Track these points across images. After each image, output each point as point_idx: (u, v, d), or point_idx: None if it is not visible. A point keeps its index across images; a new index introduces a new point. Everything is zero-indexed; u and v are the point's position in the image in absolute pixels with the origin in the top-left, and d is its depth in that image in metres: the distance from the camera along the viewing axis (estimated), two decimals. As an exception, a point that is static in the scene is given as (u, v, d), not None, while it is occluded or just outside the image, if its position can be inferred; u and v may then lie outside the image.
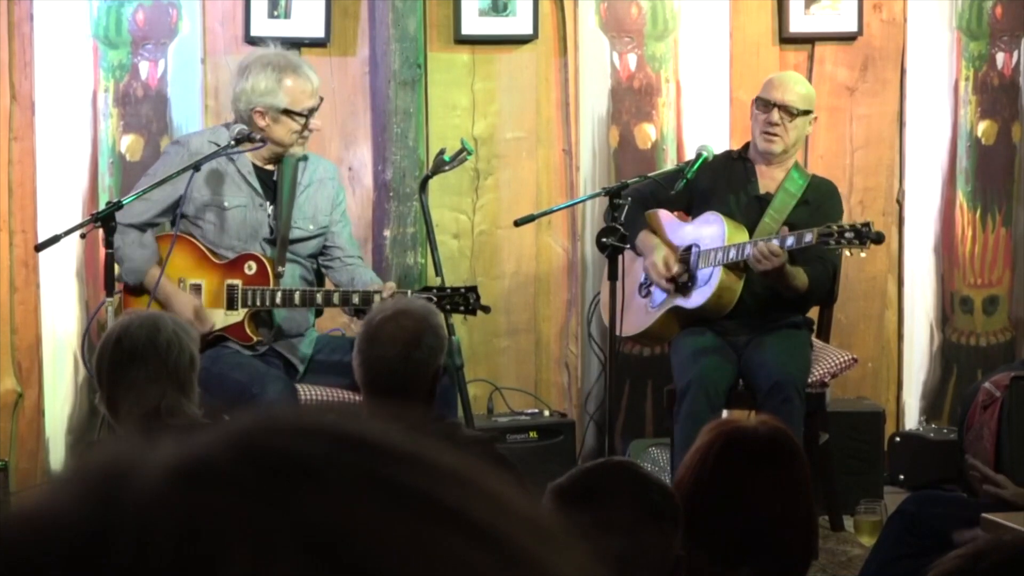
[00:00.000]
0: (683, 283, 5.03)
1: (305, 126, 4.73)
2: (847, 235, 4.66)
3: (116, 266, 4.58)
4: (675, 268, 5.01)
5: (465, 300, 4.62)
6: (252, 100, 4.69)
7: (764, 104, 5.06)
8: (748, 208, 5.08)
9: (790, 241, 4.77)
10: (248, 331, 4.70)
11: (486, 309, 4.69)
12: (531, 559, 0.56)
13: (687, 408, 4.74)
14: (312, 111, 4.73)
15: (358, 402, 4.01)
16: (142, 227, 4.71)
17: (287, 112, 4.69)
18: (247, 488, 0.54)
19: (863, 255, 4.78)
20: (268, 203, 4.79)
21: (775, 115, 5.04)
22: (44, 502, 0.55)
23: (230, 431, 0.57)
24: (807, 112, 5.09)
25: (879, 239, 4.70)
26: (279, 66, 4.69)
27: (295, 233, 4.80)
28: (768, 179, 5.13)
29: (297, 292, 4.69)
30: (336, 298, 4.68)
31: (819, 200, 5.09)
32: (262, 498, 0.53)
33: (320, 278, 4.94)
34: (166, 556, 0.51)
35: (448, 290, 4.63)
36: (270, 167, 4.82)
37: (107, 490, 0.54)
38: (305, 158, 4.85)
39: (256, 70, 4.69)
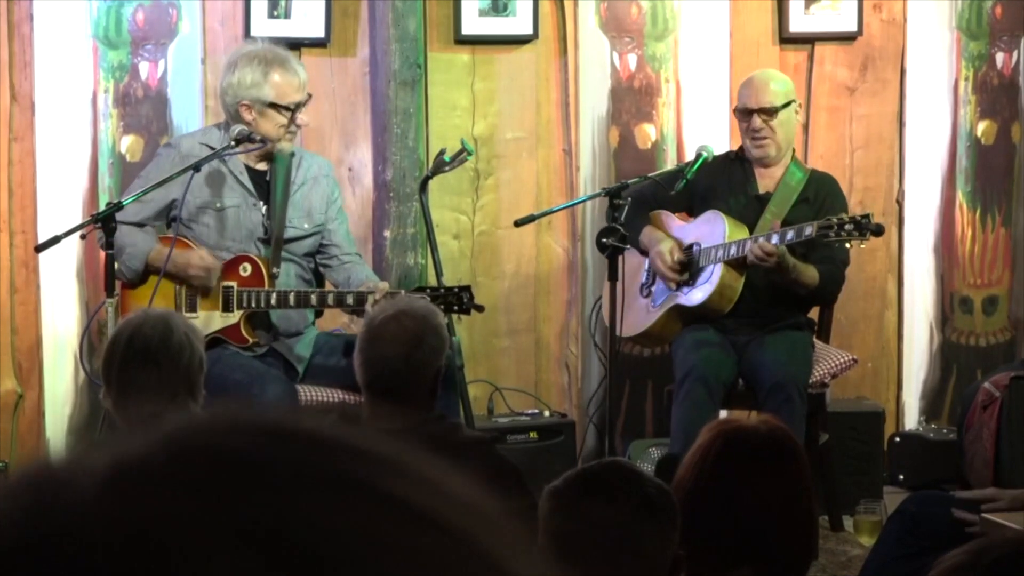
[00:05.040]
0: (685, 279, 5.03)
1: (292, 120, 4.72)
2: (847, 227, 4.66)
3: (116, 264, 4.58)
4: (679, 256, 5.02)
5: (459, 300, 4.61)
6: (238, 94, 4.69)
7: (743, 113, 5.08)
8: (748, 208, 5.08)
9: (790, 235, 4.77)
10: (244, 333, 4.70)
11: (480, 308, 4.69)
12: (473, 542, 0.56)
13: (685, 393, 4.75)
14: (299, 105, 4.73)
15: (359, 402, 4.01)
16: (137, 225, 4.70)
17: (273, 106, 4.69)
18: (184, 487, 0.53)
19: (863, 246, 4.78)
20: (261, 203, 4.78)
21: (756, 121, 5.04)
22: None
23: (163, 432, 0.56)
24: (787, 104, 5.09)
25: (879, 231, 4.69)
26: (266, 59, 4.70)
27: (290, 232, 4.78)
28: (767, 178, 5.14)
29: (292, 293, 4.68)
30: (330, 299, 4.68)
31: (820, 197, 5.09)
32: (200, 496, 0.53)
33: (318, 276, 4.94)
34: (105, 561, 0.51)
35: (442, 290, 4.63)
36: (262, 166, 4.81)
37: (42, 498, 0.53)
38: (294, 155, 4.84)
39: (243, 64, 4.69)
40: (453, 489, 0.58)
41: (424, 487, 0.57)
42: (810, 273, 4.90)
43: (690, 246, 5.06)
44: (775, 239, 4.79)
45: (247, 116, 4.68)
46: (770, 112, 5.03)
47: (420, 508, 0.55)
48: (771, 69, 5.35)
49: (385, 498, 0.55)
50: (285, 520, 0.53)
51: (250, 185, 4.77)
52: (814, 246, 4.88)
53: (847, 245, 4.76)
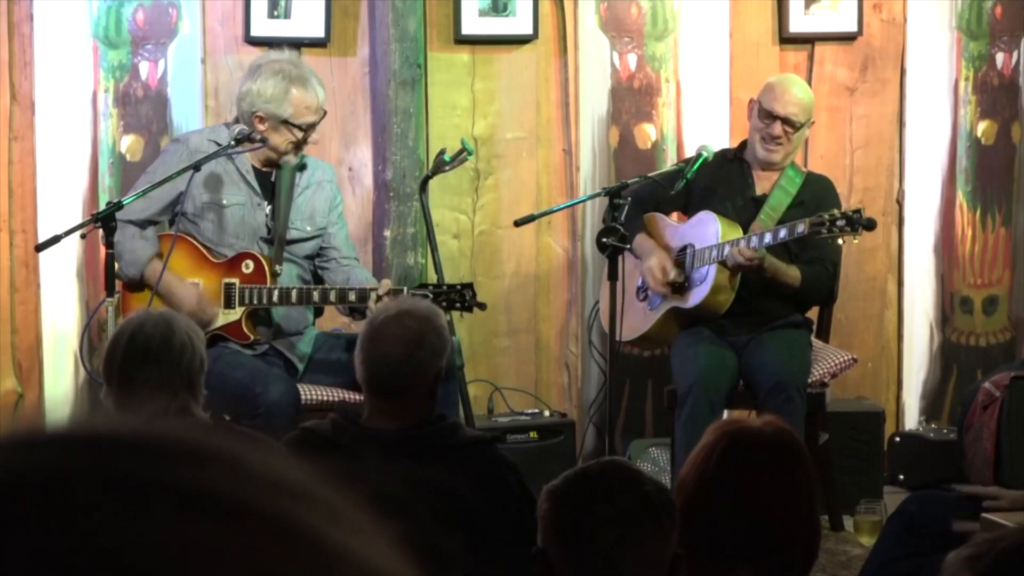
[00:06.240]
0: (680, 284, 5.03)
1: (303, 140, 4.75)
2: (839, 223, 4.66)
3: (116, 264, 4.58)
4: (672, 274, 5.01)
5: (461, 297, 4.62)
6: (256, 103, 4.70)
7: (767, 115, 5.03)
8: (744, 210, 5.08)
9: (783, 233, 4.78)
10: (245, 329, 4.71)
11: (482, 306, 4.69)
12: (288, 523, 0.53)
13: (688, 412, 4.74)
14: (312, 126, 4.75)
15: (359, 401, 4.01)
16: (142, 224, 4.72)
17: (286, 123, 4.70)
18: None
19: (855, 241, 4.78)
20: (266, 203, 4.80)
21: (777, 128, 5.02)
22: None
23: None
24: (807, 122, 5.09)
25: (871, 225, 4.69)
26: (289, 76, 4.71)
27: (292, 234, 4.80)
28: (764, 180, 5.14)
29: (294, 290, 4.69)
30: (333, 295, 4.69)
31: (815, 201, 5.08)
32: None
33: (318, 279, 4.94)
34: None
35: (444, 287, 4.64)
36: (268, 169, 4.83)
37: None
38: (303, 166, 4.85)
39: (266, 74, 4.70)
40: (267, 471, 0.54)
41: (226, 474, 0.53)
42: (792, 274, 4.91)
43: (683, 248, 5.06)
44: (768, 237, 4.80)
45: (259, 127, 4.70)
46: (795, 126, 5.02)
47: (222, 500, 0.52)
48: (800, 79, 5.30)
49: (176, 493, 0.52)
50: (79, 538, 0.50)
51: (256, 185, 4.79)
52: (805, 245, 4.89)
53: (840, 241, 4.76)
